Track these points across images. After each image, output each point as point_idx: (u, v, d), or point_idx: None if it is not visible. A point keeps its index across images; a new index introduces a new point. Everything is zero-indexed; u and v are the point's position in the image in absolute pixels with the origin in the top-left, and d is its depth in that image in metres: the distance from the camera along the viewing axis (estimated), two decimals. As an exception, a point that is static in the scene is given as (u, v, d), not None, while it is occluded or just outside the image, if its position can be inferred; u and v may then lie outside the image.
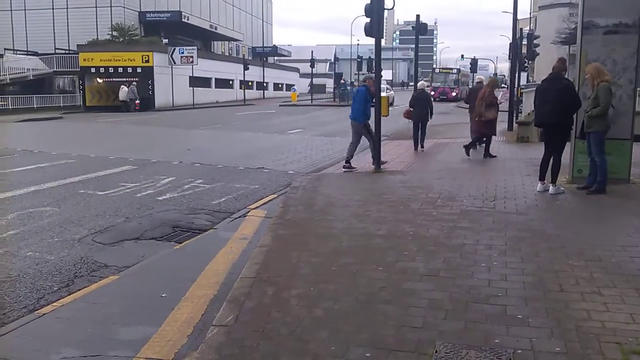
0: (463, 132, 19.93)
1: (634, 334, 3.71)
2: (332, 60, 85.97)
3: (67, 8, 44.74)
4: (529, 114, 19.71)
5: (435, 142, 17.03)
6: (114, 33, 40.43)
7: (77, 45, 39.58)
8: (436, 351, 3.54)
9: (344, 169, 11.45)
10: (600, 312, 4.08)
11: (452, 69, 57.82)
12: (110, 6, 44.12)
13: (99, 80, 38.96)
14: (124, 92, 35.65)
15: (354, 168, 11.44)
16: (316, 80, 57.55)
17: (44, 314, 4.58)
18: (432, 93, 41.86)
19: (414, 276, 4.89)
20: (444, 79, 53.20)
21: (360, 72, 54.82)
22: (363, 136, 11.67)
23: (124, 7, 44.39)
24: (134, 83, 36.25)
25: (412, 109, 15.11)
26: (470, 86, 28.14)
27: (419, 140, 14.96)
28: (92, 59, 37.56)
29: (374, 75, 10.51)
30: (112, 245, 6.52)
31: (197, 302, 4.74)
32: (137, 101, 35.98)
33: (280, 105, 43.11)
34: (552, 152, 8.41)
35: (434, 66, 38.36)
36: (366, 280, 4.81)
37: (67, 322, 4.48)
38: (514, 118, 20.75)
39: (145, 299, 4.93)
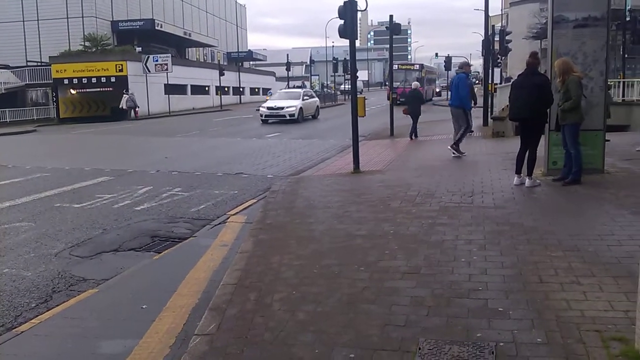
0: (442, 129, 20.10)
1: (612, 321, 3.76)
2: (308, 62, 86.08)
3: (38, 20, 44.18)
4: (503, 109, 19.93)
5: (413, 140, 17.14)
6: (87, 43, 40.00)
7: (49, 57, 39.08)
8: (419, 348, 3.54)
9: (452, 155, 12.00)
10: (579, 301, 4.13)
11: (413, 65, 49.04)
12: (82, 16, 43.65)
13: (73, 92, 38.50)
14: (123, 100, 36.20)
15: (462, 153, 11.90)
16: (293, 84, 57.49)
17: (22, 331, 4.48)
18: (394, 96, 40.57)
19: (395, 275, 4.90)
20: (404, 77, 44.16)
21: (336, 74, 55.06)
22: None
23: (96, 17, 43.95)
24: (132, 92, 36.78)
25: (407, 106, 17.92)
26: (437, 85, 27.35)
27: (413, 132, 17.36)
28: (64, 70, 37.08)
29: (468, 61, 10.35)
30: (90, 259, 6.42)
31: (178, 311, 4.69)
32: (137, 108, 36.58)
33: (257, 110, 42.99)
34: (527, 146, 8.51)
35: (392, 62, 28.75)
36: (348, 281, 4.80)
37: (45, 339, 4.39)
38: (489, 113, 20.97)
39: (125, 311, 4.86)
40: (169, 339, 4.17)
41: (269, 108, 28.26)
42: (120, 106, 36.44)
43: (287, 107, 27.72)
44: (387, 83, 45.16)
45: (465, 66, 12.59)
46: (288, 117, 27.31)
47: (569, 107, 8.14)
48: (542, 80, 8.28)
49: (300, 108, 28.37)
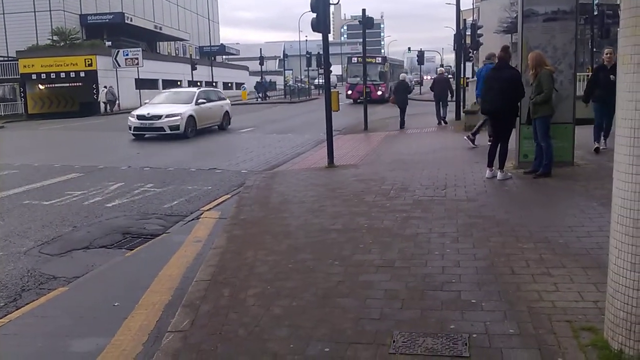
0: (413, 123, 20.22)
1: (583, 312, 3.83)
2: (282, 57, 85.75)
3: (3, 14, 43.18)
4: (475, 102, 20.14)
5: (387, 134, 17.22)
6: (55, 37, 39.22)
7: (17, 51, 38.20)
8: (394, 341, 3.56)
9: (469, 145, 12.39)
10: (550, 292, 4.19)
11: (375, 57, 41.41)
12: (50, 10, 42.76)
13: (41, 87, 37.71)
14: (103, 93, 36.02)
15: (476, 145, 12.20)
16: (269, 78, 57.19)
17: (-10, 331, 4.38)
18: (350, 92, 37.32)
19: (370, 268, 4.92)
20: (361, 70, 32.60)
21: (310, 68, 54.95)
22: None
23: (64, 11, 43.09)
24: (111, 86, 36.43)
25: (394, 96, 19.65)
26: (399, 80, 26.07)
27: (401, 121, 19.05)
28: (32, 65, 36.29)
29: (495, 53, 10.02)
30: (60, 256, 6.30)
31: (151, 308, 4.63)
32: (118, 101, 36.50)
33: (230, 105, 42.67)
34: (498, 139, 8.60)
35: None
36: (323, 275, 4.80)
37: (15, 337, 4.29)
38: (461, 107, 21.15)
39: (97, 309, 4.77)
40: (142, 337, 4.11)
41: (139, 117, 18.88)
42: (99, 100, 36.23)
43: (167, 116, 18.47)
44: (348, 79, 39.83)
45: (492, 57, 12.44)
46: (169, 132, 18.38)
47: (540, 100, 8.26)
48: (512, 74, 8.37)
49: (191, 116, 18.99)
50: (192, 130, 19.10)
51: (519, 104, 8.48)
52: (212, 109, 21.08)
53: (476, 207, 6.92)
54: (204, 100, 20.43)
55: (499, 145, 8.56)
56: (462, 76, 23.05)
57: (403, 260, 5.06)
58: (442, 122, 19.21)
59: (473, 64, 38.23)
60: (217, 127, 21.55)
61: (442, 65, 38.22)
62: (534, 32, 9.09)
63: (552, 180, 8.33)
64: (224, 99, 23.50)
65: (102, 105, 36.51)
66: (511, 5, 40.97)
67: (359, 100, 33.14)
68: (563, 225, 5.92)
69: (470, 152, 11.83)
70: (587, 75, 20.10)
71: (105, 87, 36.49)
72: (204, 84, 55.82)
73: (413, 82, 54.02)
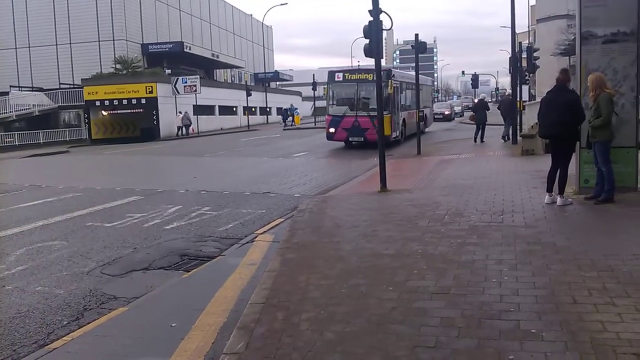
0: (467, 148, 19.95)
1: (650, 344, 3.65)
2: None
3: (70, 44, 45.49)
4: (532, 126, 19.71)
5: (441, 159, 17.04)
6: (118, 66, 40.99)
7: (81, 79, 40.13)
8: (450, 370, 3.48)
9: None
10: (614, 322, 4.02)
11: (370, 70, 20.91)
12: (113, 40, 44.81)
13: (104, 113, 39.38)
14: (178, 118, 38.99)
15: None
16: (319, 103, 57.78)
17: (54, 348, 4.55)
18: (332, 131, 22.71)
19: (424, 295, 4.84)
20: (354, 93, 22.59)
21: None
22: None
23: (127, 40, 45.05)
24: (186, 111, 39.27)
25: (474, 114, 22.64)
26: (479, 99, 25.36)
27: (479, 137, 21.75)
28: (96, 93, 38.01)
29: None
30: (120, 277, 6.51)
31: (207, 330, 4.70)
32: (192, 126, 39.36)
33: (284, 129, 43.32)
34: (558, 164, 8.38)
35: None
36: (377, 301, 4.76)
37: (77, 356, 4.45)
38: (518, 131, 20.75)
39: (154, 330, 4.90)
40: (198, 358, 4.18)
41: None
42: (177, 125, 39.02)
43: None
44: (330, 108, 23.45)
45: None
46: None
47: (599, 124, 8.02)
48: (572, 97, 8.17)
49: None
50: None
51: (579, 127, 8.25)
52: None
53: (535, 234, 6.73)
54: None
55: (559, 169, 8.34)
56: (518, 99, 22.62)
57: (459, 288, 4.96)
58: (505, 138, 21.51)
59: (529, 87, 37.49)
60: None
61: (497, 89, 37.83)
62: (593, 55, 8.87)
63: (614, 206, 8.02)
64: None
65: (177, 129, 39.04)
66: (568, 28, 40.15)
67: (353, 143, 22.92)
68: (627, 253, 5.68)
69: (527, 177, 11.55)
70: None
71: (180, 112, 38.89)
72: (258, 109, 57.06)
73: (451, 109, 50.35)
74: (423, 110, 23.38)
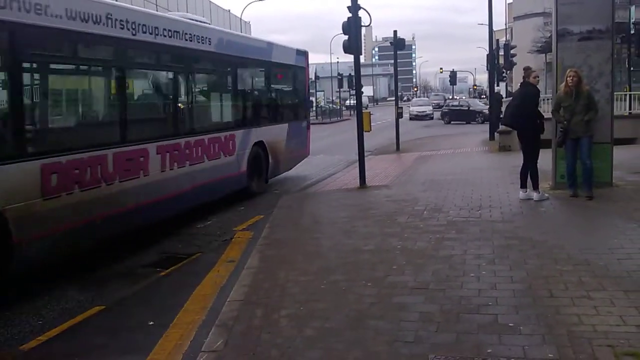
0: (445, 144, 20.09)
1: (625, 336, 3.70)
2: (313, 78, 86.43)
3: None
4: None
5: (419, 155, 17.12)
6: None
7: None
8: (429, 365, 3.50)
9: None
10: (590, 315, 4.07)
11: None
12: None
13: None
14: None
15: None
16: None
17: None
18: None
19: (403, 290, 4.86)
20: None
21: (341, 89, 55.27)
22: None
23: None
24: None
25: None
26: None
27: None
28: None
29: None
30: (97, 276, 6.41)
31: (185, 328, 4.65)
32: None
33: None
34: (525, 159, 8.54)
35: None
36: (356, 297, 4.76)
37: (51, 356, 4.37)
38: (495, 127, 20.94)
39: (131, 328, 4.83)
40: (176, 356, 4.14)
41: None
42: None
43: None
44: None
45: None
46: None
47: (593, 117, 8.26)
48: (527, 90, 8.40)
49: None
50: None
51: (537, 121, 8.35)
52: None
53: (512, 229, 6.79)
54: None
55: (527, 165, 8.45)
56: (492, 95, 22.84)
57: (438, 282, 4.98)
58: None
59: (506, 84, 37.90)
60: None
61: (474, 86, 37.64)
62: (569, 52, 8.99)
63: (590, 201, 8.14)
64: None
65: None
66: (545, 25, 40.59)
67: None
68: (603, 247, 5.77)
69: (505, 172, 11.65)
70: (625, 94, 19.79)
71: None
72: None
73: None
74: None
